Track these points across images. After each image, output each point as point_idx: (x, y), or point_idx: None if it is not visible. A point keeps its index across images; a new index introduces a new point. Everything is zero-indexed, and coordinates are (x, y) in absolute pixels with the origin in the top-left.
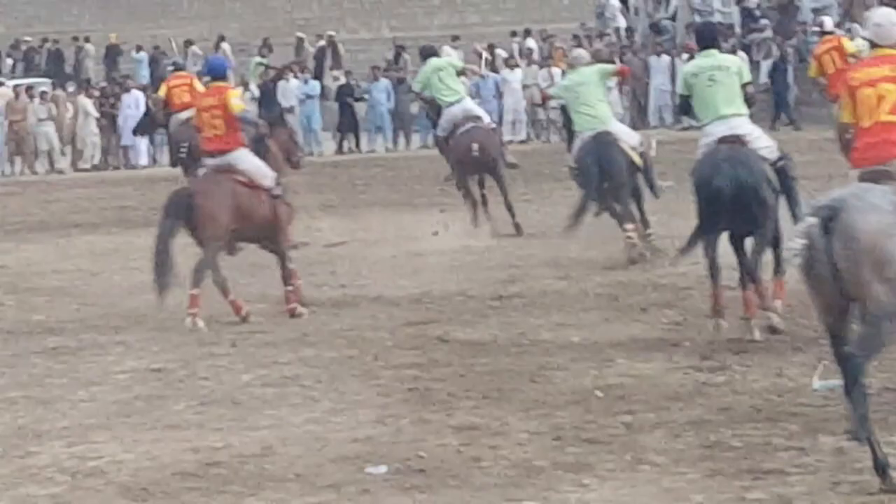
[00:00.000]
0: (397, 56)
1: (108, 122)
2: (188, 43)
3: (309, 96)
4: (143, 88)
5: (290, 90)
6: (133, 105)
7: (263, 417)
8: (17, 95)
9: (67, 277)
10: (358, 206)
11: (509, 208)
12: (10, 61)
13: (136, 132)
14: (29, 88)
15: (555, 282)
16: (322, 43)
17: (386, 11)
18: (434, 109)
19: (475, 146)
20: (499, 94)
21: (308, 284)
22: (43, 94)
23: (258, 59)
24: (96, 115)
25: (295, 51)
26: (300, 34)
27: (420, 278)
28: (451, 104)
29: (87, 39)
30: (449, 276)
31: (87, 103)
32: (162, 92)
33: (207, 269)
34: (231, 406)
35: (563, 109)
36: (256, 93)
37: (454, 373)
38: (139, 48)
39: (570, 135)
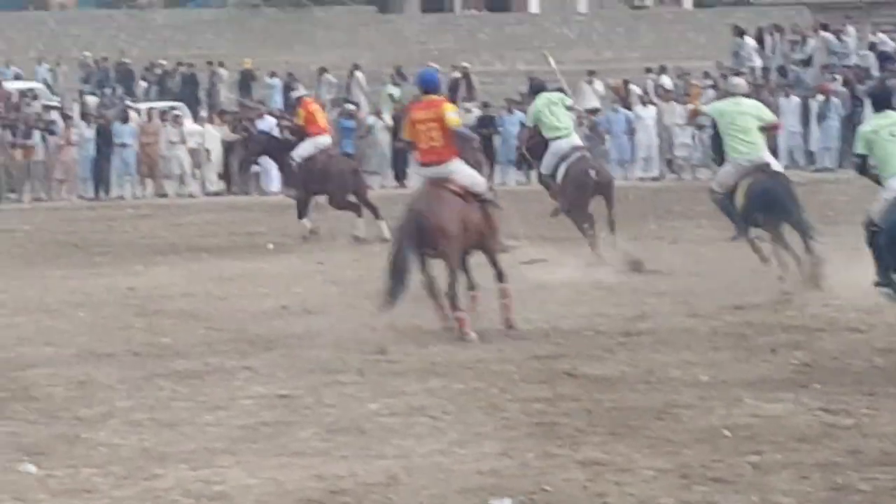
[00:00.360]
0: (533, 91)
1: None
2: (322, 70)
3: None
4: (277, 114)
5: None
6: (266, 130)
7: (389, 447)
8: (149, 118)
9: (195, 301)
10: None
11: (612, 225)
12: (144, 84)
13: (250, 157)
14: (163, 113)
15: (684, 319)
16: (456, 74)
17: (521, 45)
18: (540, 145)
19: (592, 171)
20: (630, 131)
21: (436, 315)
22: (176, 117)
23: (391, 88)
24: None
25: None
26: (434, 64)
27: (547, 311)
28: (559, 139)
29: (221, 64)
30: (576, 310)
31: (213, 130)
32: (300, 117)
33: (457, 283)
34: (357, 434)
35: (714, 131)
36: (389, 122)
37: (581, 408)
38: (273, 74)
39: (720, 158)
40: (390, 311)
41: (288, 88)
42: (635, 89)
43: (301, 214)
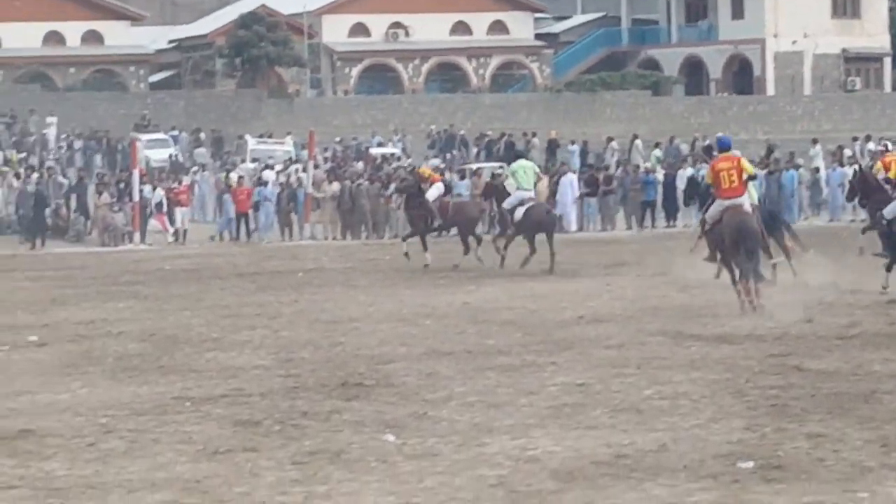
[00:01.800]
0: (769, 153)
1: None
2: (609, 139)
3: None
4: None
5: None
6: (567, 185)
7: (660, 422)
8: (479, 176)
9: (514, 312)
10: None
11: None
12: (475, 150)
13: None
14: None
15: (885, 326)
16: (708, 142)
17: (761, 119)
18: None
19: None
20: (843, 185)
21: (695, 324)
22: (494, 175)
23: (657, 151)
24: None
25: (691, 146)
26: (696, 135)
27: (779, 320)
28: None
29: (534, 134)
30: (800, 321)
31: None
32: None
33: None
34: (635, 413)
35: None
36: (660, 176)
37: (806, 393)
38: (573, 142)
39: None
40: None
41: (583, 153)
42: (847, 152)
43: None
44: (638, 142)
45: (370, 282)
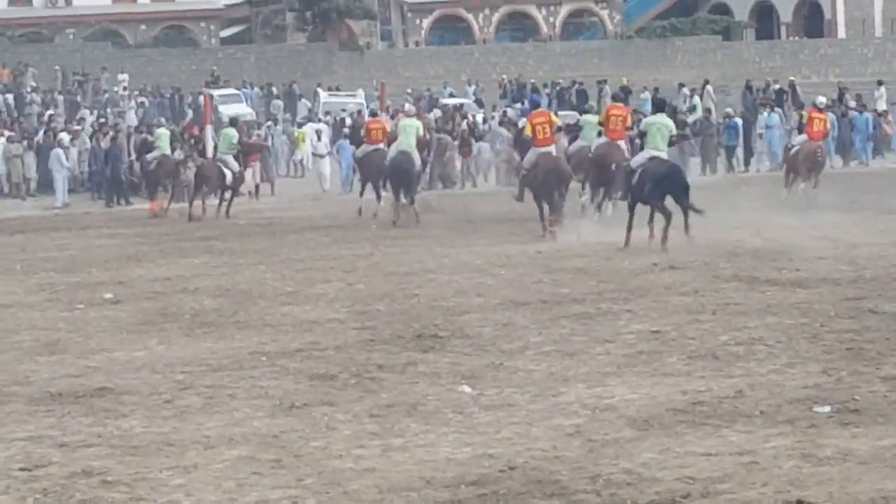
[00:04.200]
0: (840, 96)
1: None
2: (680, 85)
3: (768, 126)
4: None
5: (762, 120)
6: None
7: (736, 368)
8: None
9: (588, 260)
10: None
11: None
12: (546, 99)
13: None
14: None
15: None
16: (777, 86)
17: (832, 62)
18: None
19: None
20: None
21: (770, 268)
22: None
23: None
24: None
25: (763, 91)
26: (768, 78)
27: (856, 264)
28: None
29: (605, 82)
30: (875, 263)
31: None
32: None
33: None
34: (711, 360)
35: None
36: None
37: (882, 336)
38: (644, 88)
39: None
40: None
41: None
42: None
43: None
44: (709, 87)
45: (444, 232)
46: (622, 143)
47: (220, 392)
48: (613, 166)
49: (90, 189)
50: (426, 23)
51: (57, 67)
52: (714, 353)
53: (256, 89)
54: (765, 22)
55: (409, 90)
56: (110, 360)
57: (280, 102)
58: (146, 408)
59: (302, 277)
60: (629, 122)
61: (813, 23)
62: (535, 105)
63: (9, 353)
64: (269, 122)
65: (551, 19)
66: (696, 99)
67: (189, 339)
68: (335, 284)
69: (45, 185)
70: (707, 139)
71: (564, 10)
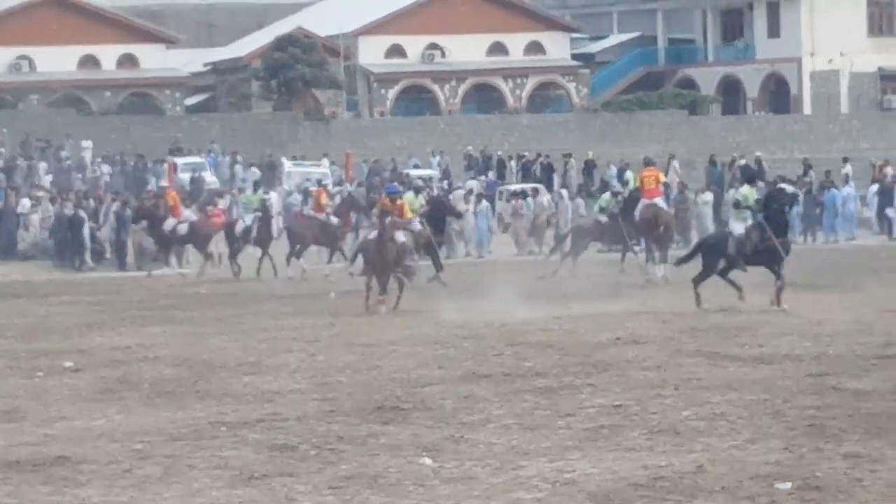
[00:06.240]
0: (805, 171)
1: None
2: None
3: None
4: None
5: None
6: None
7: (697, 444)
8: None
9: (551, 334)
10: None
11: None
12: (513, 166)
13: None
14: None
15: None
16: (742, 162)
17: (798, 137)
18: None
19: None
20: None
21: (733, 344)
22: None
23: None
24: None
25: (728, 166)
26: (734, 154)
27: (818, 341)
28: None
29: (570, 155)
30: (838, 340)
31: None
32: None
33: None
34: (673, 435)
35: None
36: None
37: (844, 413)
38: (609, 163)
39: None
40: None
41: (621, 172)
42: (889, 171)
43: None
44: (675, 161)
45: (407, 304)
46: (659, 201)
47: (179, 462)
48: (662, 228)
49: (51, 256)
50: (392, 93)
51: (26, 133)
52: (676, 429)
53: (227, 158)
54: (731, 97)
55: (372, 160)
56: (69, 428)
57: (256, 171)
58: (104, 477)
59: (264, 347)
60: (661, 180)
61: (779, 98)
62: (393, 192)
63: None
64: (235, 190)
65: (518, 92)
66: (629, 174)
67: (148, 408)
68: (297, 355)
69: (6, 250)
70: (682, 214)
71: (531, 83)
